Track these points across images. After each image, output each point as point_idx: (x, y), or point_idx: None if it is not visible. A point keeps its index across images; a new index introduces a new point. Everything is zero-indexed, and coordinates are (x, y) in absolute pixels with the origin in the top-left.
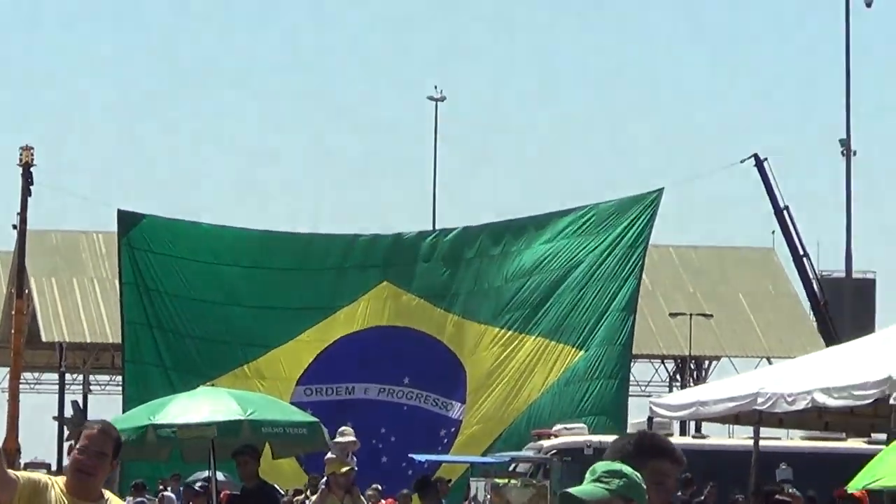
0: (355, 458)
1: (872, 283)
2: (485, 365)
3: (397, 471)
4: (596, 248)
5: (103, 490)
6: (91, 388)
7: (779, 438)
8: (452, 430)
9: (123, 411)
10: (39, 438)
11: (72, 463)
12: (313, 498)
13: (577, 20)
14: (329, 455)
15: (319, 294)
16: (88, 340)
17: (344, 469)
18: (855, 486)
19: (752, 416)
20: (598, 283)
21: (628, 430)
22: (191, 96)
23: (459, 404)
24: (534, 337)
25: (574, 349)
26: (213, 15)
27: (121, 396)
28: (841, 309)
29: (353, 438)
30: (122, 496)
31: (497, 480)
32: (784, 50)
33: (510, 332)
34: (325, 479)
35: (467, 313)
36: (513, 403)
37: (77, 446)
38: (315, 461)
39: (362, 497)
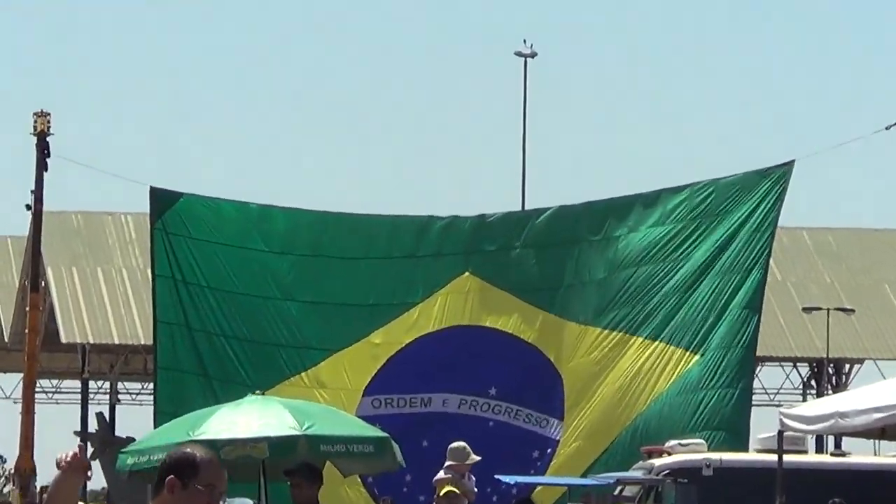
0: (473, 479)
1: None
2: (586, 373)
3: (481, 497)
4: (715, 233)
5: None
6: (119, 397)
7: None
8: (548, 450)
9: (155, 426)
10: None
11: None
12: None
13: None
14: (440, 474)
15: (389, 287)
16: (116, 342)
17: (445, 490)
18: None
19: None
20: (717, 275)
21: (754, 446)
22: (239, 55)
23: (557, 421)
24: (642, 339)
25: (688, 353)
26: None
27: (153, 407)
28: None
29: (472, 458)
30: None
31: None
32: None
33: (615, 334)
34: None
35: (565, 312)
36: (616, 417)
37: (203, 484)
38: (384, 484)
39: None
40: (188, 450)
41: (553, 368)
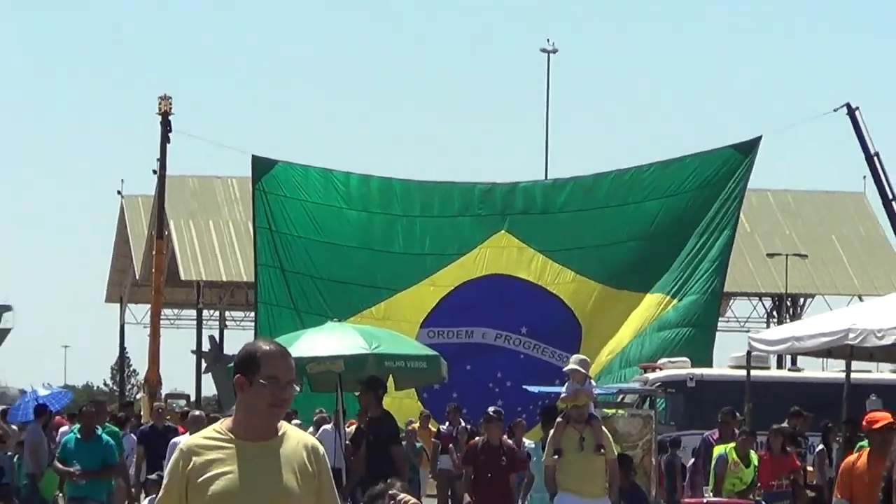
0: (592, 383)
1: None
2: (601, 326)
3: (511, 415)
4: (698, 200)
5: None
6: (227, 323)
7: (869, 371)
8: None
9: None
10: (179, 370)
11: (265, 399)
12: (551, 432)
13: None
14: (564, 391)
15: (441, 240)
16: (224, 279)
17: (572, 402)
18: None
19: (844, 350)
20: (699, 235)
21: (728, 363)
22: (318, 47)
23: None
24: (647, 294)
25: (668, 297)
26: None
27: (254, 331)
28: None
29: (574, 367)
30: None
31: (605, 410)
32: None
33: (626, 293)
34: (562, 412)
35: (585, 270)
36: (611, 348)
37: (265, 378)
38: (436, 399)
39: (603, 429)
40: (251, 346)
41: (573, 318)
